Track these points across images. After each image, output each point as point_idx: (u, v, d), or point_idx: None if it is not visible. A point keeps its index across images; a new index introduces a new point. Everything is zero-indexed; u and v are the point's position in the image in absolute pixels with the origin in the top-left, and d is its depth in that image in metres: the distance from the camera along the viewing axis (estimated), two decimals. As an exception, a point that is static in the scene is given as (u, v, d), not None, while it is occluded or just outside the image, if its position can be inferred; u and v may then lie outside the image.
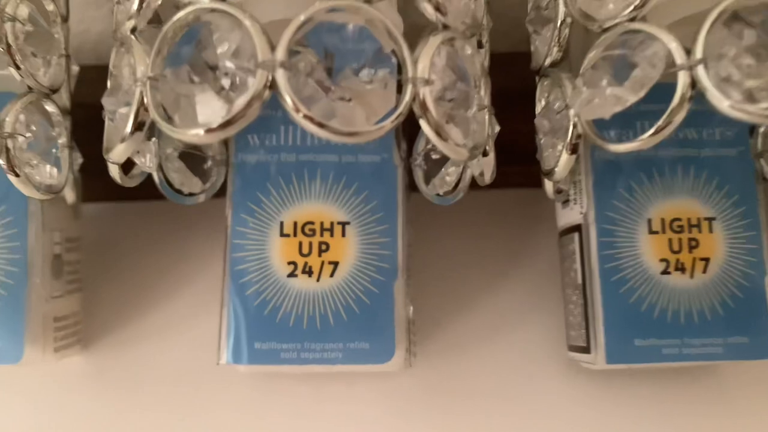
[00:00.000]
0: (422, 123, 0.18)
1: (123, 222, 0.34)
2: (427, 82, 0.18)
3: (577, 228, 0.26)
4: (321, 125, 0.17)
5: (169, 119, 0.18)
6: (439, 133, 0.18)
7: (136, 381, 0.30)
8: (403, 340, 0.25)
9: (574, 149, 0.21)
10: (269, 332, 0.25)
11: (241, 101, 0.17)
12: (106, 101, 0.21)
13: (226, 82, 0.18)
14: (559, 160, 0.21)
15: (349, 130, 0.17)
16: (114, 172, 0.22)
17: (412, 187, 0.27)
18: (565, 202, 0.27)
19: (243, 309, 0.25)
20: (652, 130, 0.19)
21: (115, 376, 0.30)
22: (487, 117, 0.19)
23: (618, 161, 0.26)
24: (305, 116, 0.17)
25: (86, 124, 0.25)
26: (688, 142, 0.26)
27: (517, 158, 0.33)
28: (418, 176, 0.26)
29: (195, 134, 0.18)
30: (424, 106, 0.18)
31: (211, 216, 0.30)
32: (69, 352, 0.29)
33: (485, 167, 0.21)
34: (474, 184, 0.34)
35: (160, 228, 0.33)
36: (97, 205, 0.34)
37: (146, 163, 0.22)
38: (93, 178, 0.32)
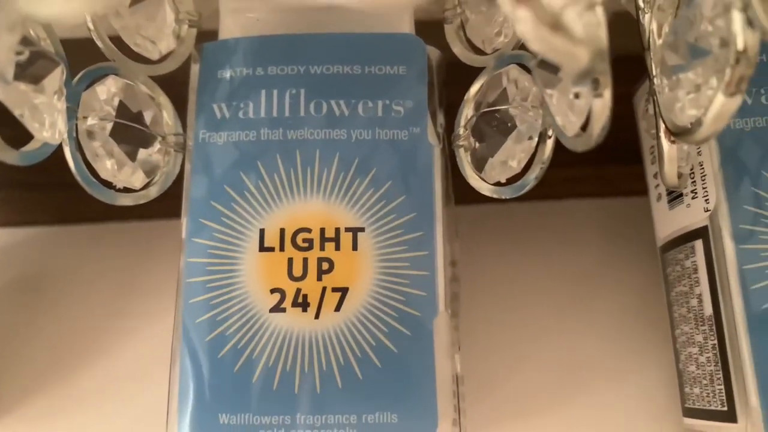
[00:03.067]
0: (523, 14, 0.09)
1: (48, 253, 0.25)
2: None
3: (699, 233, 0.18)
4: None
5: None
6: (553, 23, 0.09)
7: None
8: (449, 407, 0.16)
9: (739, 85, 0.13)
10: (242, 399, 0.16)
11: None
12: None
13: None
14: (710, 108, 0.13)
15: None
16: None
17: (455, 177, 0.18)
18: (675, 198, 0.19)
19: (202, 363, 0.16)
20: None
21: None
22: (600, 13, 0.11)
23: (754, 131, 0.18)
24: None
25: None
26: None
27: (588, 158, 0.26)
28: (464, 160, 0.18)
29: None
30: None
31: (174, 240, 0.22)
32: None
33: (587, 111, 0.13)
34: (537, 192, 0.26)
35: (99, 260, 0.25)
36: (11, 230, 0.25)
37: (45, 126, 0.14)
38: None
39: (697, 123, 0.14)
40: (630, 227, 0.24)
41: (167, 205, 0.23)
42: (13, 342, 0.23)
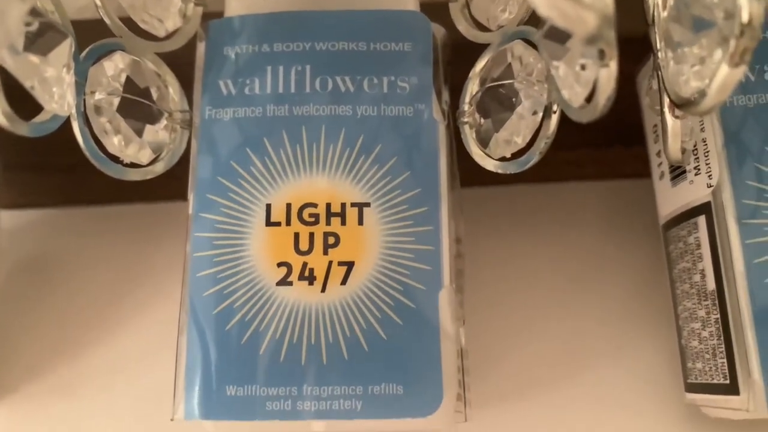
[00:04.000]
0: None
1: (53, 235, 0.25)
2: None
3: (702, 209, 0.18)
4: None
5: None
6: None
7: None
8: (454, 381, 0.16)
9: (743, 56, 0.13)
10: (249, 371, 0.16)
11: None
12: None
13: None
14: (714, 78, 0.13)
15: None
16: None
17: (459, 154, 0.19)
18: (678, 175, 0.19)
19: (209, 336, 0.16)
20: None
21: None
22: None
23: (757, 108, 0.18)
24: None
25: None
26: None
27: (589, 140, 0.26)
28: (469, 136, 0.18)
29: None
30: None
31: (179, 222, 0.22)
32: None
33: (593, 82, 0.13)
34: (538, 175, 0.26)
35: (103, 242, 0.25)
36: (18, 212, 0.26)
37: (54, 98, 0.14)
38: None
39: (701, 94, 0.14)
40: (631, 209, 0.24)
41: (171, 187, 0.24)
42: (19, 322, 0.23)
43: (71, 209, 0.26)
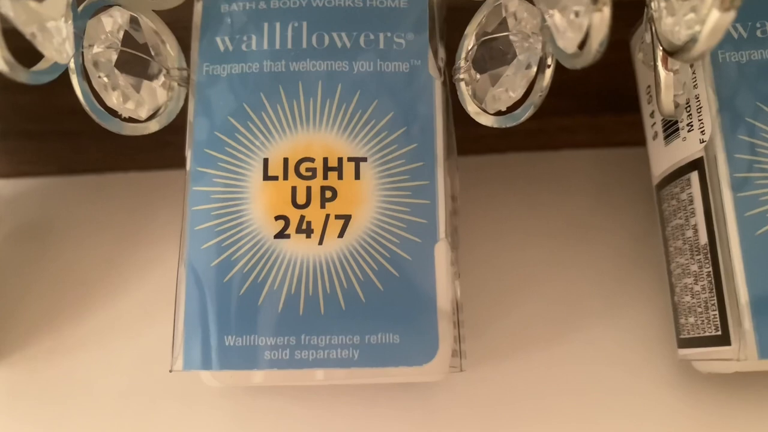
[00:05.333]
0: None
1: (51, 201, 0.26)
2: None
3: (694, 165, 0.18)
4: None
5: None
6: None
7: (66, 403, 0.21)
8: (449, 331, 0.17)
9: (733, 2, 0.13)
10: (247, 321, 0.16)
11: None
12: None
13: None
14: (705, 23, 0.13)
15: None
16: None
17: (456, 121, 0.19)
18: (671, 133, 0.19)
19: (208, 287, 0.17)
20: None
21: (38, 396, 0.21)
22: None
23: (749, 64, 0.18)
24: None
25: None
26: None
27: (583, 107, 0.26)
28: (465, 93, 0.18)
29: None
30: None
31: (174, 190, 0.22)
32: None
33: (586, 28, 0.13)
34: (533, 143, 0.26)
35: (102, 209, 0.25)
36: (16, 180, 0.26)
37: (54, 46, 0.14)
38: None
39: (693, 40, 0.14)
40: (624, 176, 0.25)
41: (166, 155, 0.24)
42: (19, 286, 0.24)
43: (69, 177, 0.26)
